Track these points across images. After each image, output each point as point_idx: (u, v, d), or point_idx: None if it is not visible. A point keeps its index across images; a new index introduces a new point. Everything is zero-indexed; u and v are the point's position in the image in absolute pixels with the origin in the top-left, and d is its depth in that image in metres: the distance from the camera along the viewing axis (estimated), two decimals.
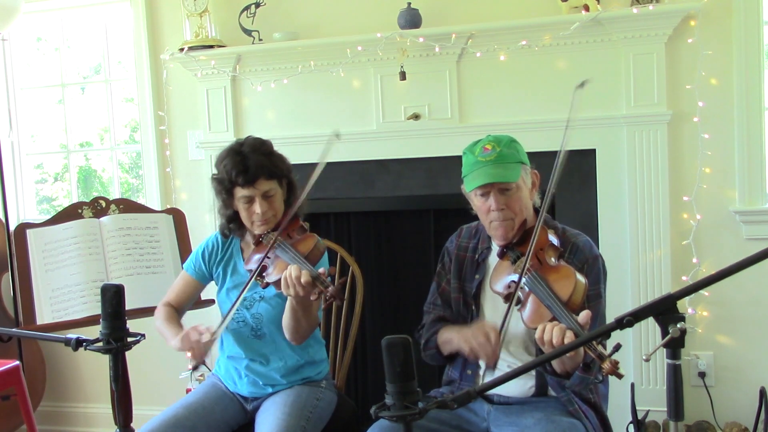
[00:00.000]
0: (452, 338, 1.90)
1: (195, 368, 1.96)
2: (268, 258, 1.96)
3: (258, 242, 2.06)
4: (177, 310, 2.22)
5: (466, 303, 2.00)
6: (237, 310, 2.14)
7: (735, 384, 2.77)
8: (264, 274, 1.98)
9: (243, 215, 2.07)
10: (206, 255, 2.21)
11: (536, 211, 1.96)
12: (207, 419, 2.06)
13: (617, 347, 1.39)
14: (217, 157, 2.09)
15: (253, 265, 2.00)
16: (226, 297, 2.19)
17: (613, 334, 1.50)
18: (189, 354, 1.95)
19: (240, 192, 2.02)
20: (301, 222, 2.08)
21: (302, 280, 1.81)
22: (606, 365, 1.46)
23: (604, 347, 1.52)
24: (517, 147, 1.89)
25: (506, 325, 1.77)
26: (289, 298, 1.92)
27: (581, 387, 1.81)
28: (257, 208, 2.01)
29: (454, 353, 1.95)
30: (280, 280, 1.89)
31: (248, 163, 1.99)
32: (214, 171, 2.10)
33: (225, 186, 2.04)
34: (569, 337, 1.54)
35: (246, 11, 3.04)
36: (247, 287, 2.00)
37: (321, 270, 1.83)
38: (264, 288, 2.00)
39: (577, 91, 1.78)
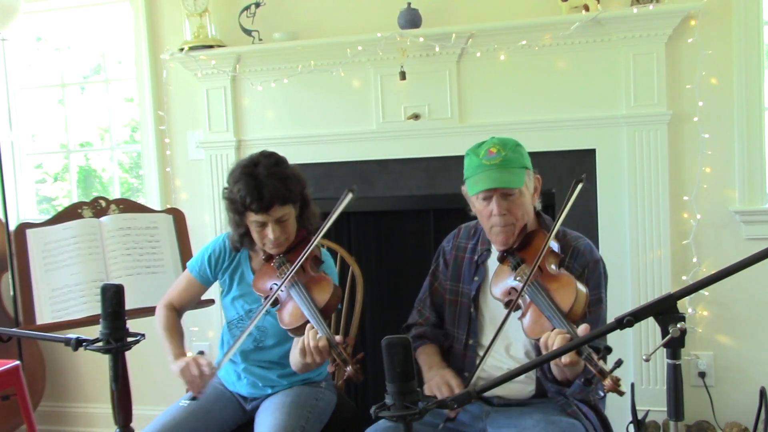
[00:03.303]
0: (423, 368, 1.94)
1: (194, 399, 1.95)
2: (281, 291, 1.93)
3: (268, 258, 2.04)
4: (178, 311, 2.20)
5: (464, 305, 1.99)
6: (242, 320, 2.13)
7: (735, 384, 2.77)
8: (274, 306, 1.94)
9: (255, 237, 2.02)
10: (212, 260, 2.17)
11: (536, 214, 1.96)
12: (206, 420, 2.06)
13: (618, 363, 1.39)
14: (230, 173, 2.02)
15: (262, 292, 1.99)
16: (231, 305, 2.17)
17: (613, 338, 1.51)
18: (187, 385, 1.93)
19: (252, 217, 1.97)
20: (316, 250, 2.02)
21: (321, 350, 1.75)
22: (607, 382, 1.45)
23: (605, 362, 1.51)
24: (522, 151, 1.87)
25: (476, 375, 1.78)
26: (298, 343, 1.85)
27: (582, 395, 1.81)
28: (270, 233, 1.97)
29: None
30: (294, 328, 1.86)
31: (263, 191, 1.91)
32: (226, 185, 2.04)
33: (237, 208, 1.98)
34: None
35: (246, 11, 3.04)
36: (256, 320, 1.96)
37: (338, 339, 1.77)
38: (274, 309, 1.97)
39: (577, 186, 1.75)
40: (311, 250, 1.95)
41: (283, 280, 1.92)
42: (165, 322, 2.14)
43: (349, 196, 1.89)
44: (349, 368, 1.72)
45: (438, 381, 1.86)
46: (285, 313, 1.92)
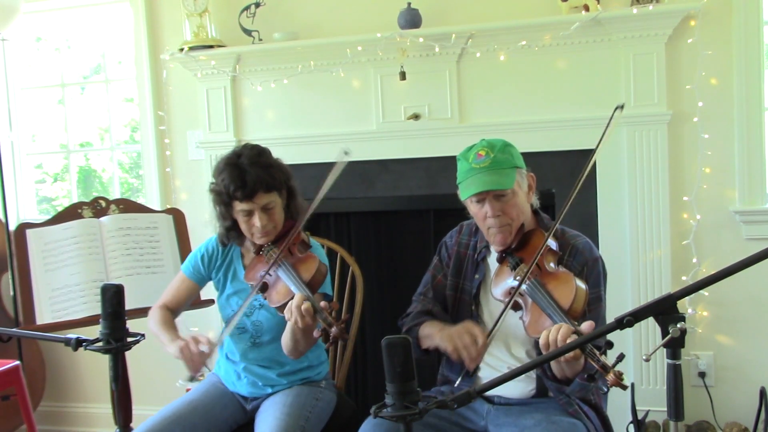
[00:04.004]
0: (433, 334, 1.89)
1: (192, 380, 1.95)
2: (269, 275, 1.94)
3: (258, 251, 2.05)
4: (173, 312, 2.20)
5: (464, 302, 1.99)
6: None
7: (735, 384, 2.77)
8: (264, 292, 1.96)
9: (243, 227, 2.04)
10: (206, 259, 2.18)
11: (534, 212, 1.96)
12: (207, 417, 2.06)
13: (620, 357, 1.39)
14: (215, 167, 2.06)
15: (253, 281, 1.99)
16: (226, 303, 2.18)
17: (613, 338, 1.51)
18: (186, 365, 1.92)
19: (239, 206, 1.99)
20: (303, 236, 2.04)
21: (304, 314, 1.77)
22: (610, 377, 1.45)
23: (606, 356, 1.51)
24: (512, 151, 1.87)
25: (496, 328, 1.77)
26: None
27: (582, 393, 1.81)
28: (257, 221, 1.99)
29: (434, 350, 1.95)
30: (282, 305, 1.87)
31: (246, 178, 1.95)
32: (212, 180, 2.07)
33: (223, 199, 2.02)
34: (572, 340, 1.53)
35: (246, 11, 3.04)
36: (248, 302, 1.98)
37: (323, 304, 1.78)
38: (265, 299, 1.99)
39: (615, 113, 1.78)
40: (299, 234, 1.98)
41: (272, 262, 1.94)
42: (158, 318, 2.14)
43: (346, 158, 1.92)
44: (333, 329, 1.72)
45: (459, 330, 1.80)
46: (273, 292, 1.93)
